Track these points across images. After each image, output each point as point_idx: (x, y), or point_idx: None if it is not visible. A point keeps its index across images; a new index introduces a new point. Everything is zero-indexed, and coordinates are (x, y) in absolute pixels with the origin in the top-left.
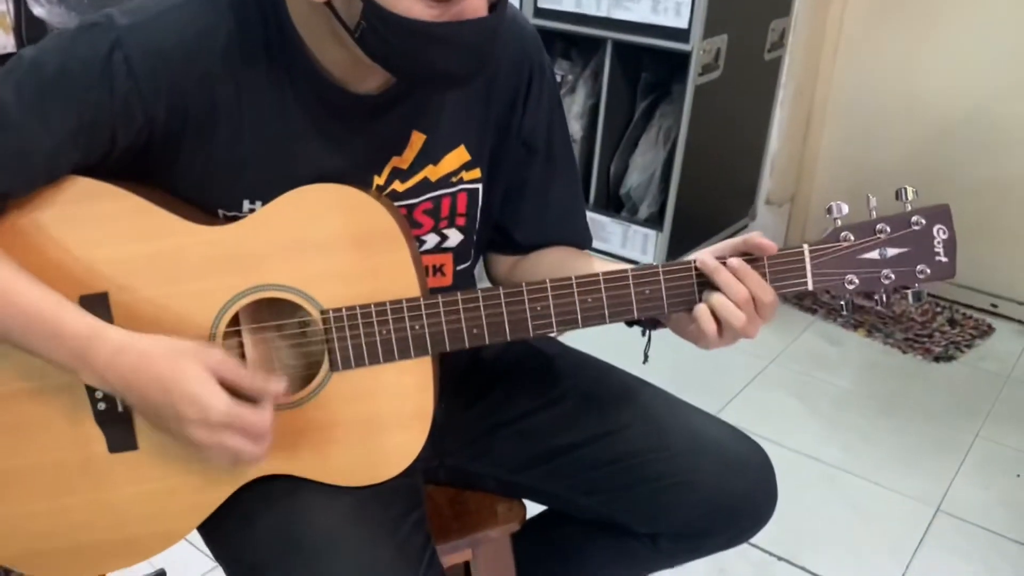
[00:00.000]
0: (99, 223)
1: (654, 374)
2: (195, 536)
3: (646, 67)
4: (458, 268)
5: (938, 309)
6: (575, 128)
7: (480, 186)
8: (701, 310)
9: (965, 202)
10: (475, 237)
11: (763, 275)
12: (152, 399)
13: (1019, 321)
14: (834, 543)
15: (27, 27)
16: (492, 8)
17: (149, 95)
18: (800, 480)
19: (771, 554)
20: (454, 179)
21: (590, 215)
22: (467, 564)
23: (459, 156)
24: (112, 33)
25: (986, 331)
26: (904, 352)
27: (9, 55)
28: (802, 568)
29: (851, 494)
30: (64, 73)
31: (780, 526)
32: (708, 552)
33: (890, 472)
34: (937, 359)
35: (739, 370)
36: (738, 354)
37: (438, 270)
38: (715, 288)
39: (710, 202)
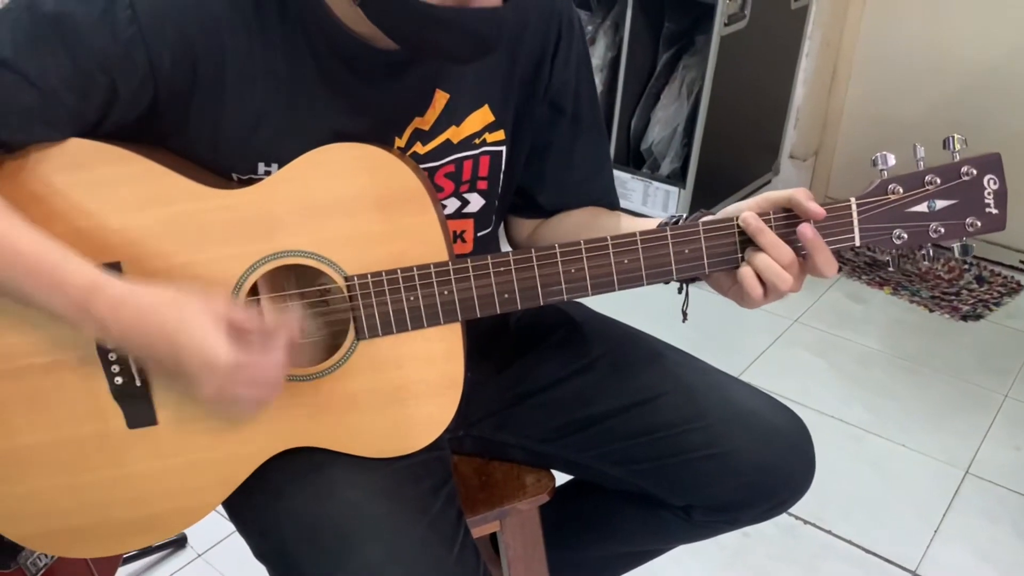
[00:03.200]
0: (108, 188)
1: (676, 334)
2: None
3: (669, 17)
4: (479, 234)
5: (965, 266)
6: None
7: (504, 148)
8: (746, 273)
9: None
10: (497, 202)
11: None
12: (157, 353)
13: None
14: (861, 506)
15: None
16: None
17: (154, 43)
18: (825, 441)
19: (796, 517)
20: (477, 141)
21: None
22: (493, 535)
23: (483, 116)
24: None
25: (1015, 288)
26: (931, 310)
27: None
28: (828, 531)
29: (877, 456)
30: (63, 15)
31: None
32: (743, 524)
33: (917, 434)
34: (964, 317)
35: (762, 329)
36: (761, 313)
37: (459, 236)
38: (757, 247)
39: (734, 157)
